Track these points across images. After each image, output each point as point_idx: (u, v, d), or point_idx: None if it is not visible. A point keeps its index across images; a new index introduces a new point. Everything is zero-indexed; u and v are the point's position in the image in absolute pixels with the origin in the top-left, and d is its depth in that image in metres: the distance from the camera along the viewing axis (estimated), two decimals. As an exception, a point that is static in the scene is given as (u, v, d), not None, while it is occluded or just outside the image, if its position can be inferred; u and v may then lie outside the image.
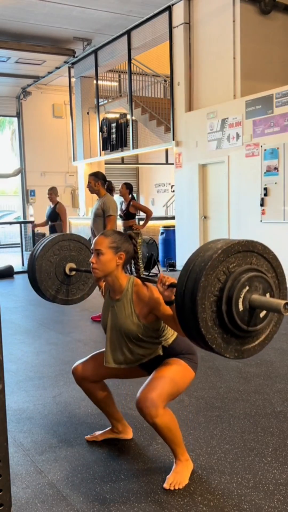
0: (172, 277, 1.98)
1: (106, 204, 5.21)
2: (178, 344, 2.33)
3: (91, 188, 5.29)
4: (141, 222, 7.36)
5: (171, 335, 2.34)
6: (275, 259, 1.86)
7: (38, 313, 6.06)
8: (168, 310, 2.15)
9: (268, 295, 1.77)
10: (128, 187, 7.00)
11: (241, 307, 1.71)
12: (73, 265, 2.98)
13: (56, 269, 2.92)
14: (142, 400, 2.14)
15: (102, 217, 5.23)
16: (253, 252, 1.79)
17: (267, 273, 1.80)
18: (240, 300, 1.71)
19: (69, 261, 2.97)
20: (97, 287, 2.82)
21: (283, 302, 1.65)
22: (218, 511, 2.05)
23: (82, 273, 3.00)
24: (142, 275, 2.37)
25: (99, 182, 5.26)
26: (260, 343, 1.86)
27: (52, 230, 7.43)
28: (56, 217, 7.46)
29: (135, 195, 16.05)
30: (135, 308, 2.27)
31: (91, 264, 2.29)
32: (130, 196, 7.02)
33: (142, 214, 7.87)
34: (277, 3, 8.39)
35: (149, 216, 6.88)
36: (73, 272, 2.97)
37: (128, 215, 7.01)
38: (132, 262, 2.40)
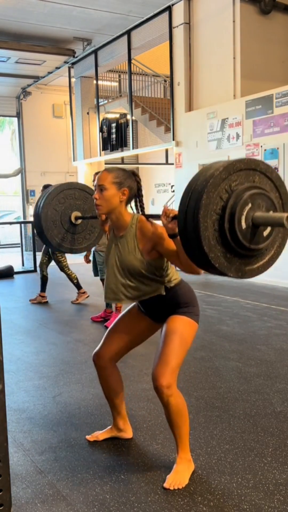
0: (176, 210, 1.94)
1: None
2: (181, 293, 2.33)
3: None
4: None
5: (174, 278, 2.34)
6: (278, 179, 1.83)
7: (38, 313, 6.06)
8: (171, 245, 2.15)
9: (271, 213, 1.74)
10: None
11: (244, 225, 1.69)
12: (79, 214, 2.93)
13: (62, 217, 2.88)
14: (157, 378, 2.20)
15: None
16: (256, 170, 1.77)
17: (270, 192, 1.78)
18: (243, 217, 1.68)
19: (74, 209, 2.92)
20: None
21: (286, 214, 1.63)
22: (218, 511, 2.05)
23: (88, 222, 2.95)
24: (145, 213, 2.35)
25: None
26: (264, 264, 1.84)
27: None
28: None
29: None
30: (139, 244, 2.26)
31: (95, 200, 2.28)
32: None
33: None
34: (277, 3, 8.40)
35: None
36: (79, 221, 2.92)
37: None
38: (137, 199, 2.38)
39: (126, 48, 10.33)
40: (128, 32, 10.20)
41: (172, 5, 9.05)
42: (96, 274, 5.40)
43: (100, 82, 11.78)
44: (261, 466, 2.39)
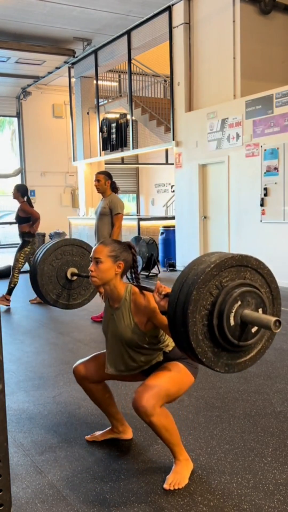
0: (169, 287, 1.97)
1: (114, 203, 5.20)
2: (177, 351, 2.31)
3: (101, 186, 5.26)
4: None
5: (171, 341, 2.34)
6: (269, 274, 1.85)
7: (38, 313, 6.06)
8: (164, 319, 2.15)
9: (260, 310, 1.75)
10: (19, 190, 6.66)
11: (232, 322, 1.70)
12: (75, 270, 2.99)
13: (58, 273, 2.94)
14: (138, 399, 2.15)
15: (109, 215, 5.20)
16: (247, 266, 1.78)
17: (260, 288, 1.79)
18: (232, 315, 1.70)
19: (71, 265, 2.99)
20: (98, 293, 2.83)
21: (273, 319, 1.63)
22: (218, 511, 2.05)
23: (84, 278, 3.00)
24: (140, 283, 2.39)
25: (109, 181, 5.27)
26: (251, 357, 1.84)
27: None
28: None
29: (123, 195, 15.98)
30: (134, 317, 2.28)
31: (90, 272, 2.31)
32: (24, 199, 6.66)
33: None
34: (277, 3, 8.39)
35: (34, 219, 6.56)
36: (75, 277, 2.99)
37: (19, 220, 6.63)
38: (132, 270, 2.41)
39: (126, 48, 10.33)
40: (128, 32, 10.20)
41: (172, 5, 9.05)
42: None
43: (100, 82, 11.78)
44: (261, 466, 2.39)
